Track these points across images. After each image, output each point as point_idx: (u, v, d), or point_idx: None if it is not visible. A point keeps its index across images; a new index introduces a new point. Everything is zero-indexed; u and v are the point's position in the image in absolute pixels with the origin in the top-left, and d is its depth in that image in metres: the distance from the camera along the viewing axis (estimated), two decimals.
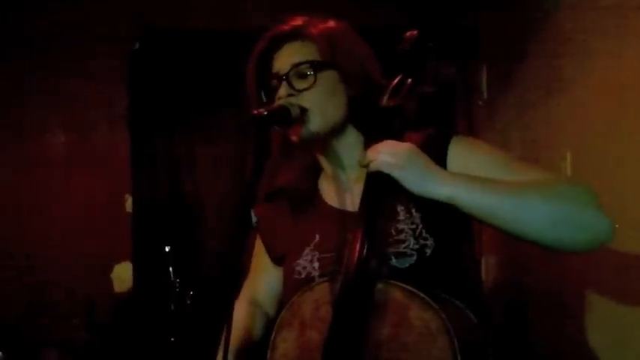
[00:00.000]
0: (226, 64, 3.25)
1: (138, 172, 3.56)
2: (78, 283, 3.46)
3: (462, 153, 1.42)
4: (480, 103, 3.13)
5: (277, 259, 1.66)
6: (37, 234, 3.51)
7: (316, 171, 1.64)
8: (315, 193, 1.63)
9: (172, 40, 3.53)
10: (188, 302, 2.81)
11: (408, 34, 1.41)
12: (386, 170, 1.28)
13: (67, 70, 3.58)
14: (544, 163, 2.32)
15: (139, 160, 3.56)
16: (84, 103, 3.59)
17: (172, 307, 2.92)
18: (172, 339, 2.78)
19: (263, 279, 1.72)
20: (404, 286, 1.25)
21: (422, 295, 1.22)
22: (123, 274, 3.52)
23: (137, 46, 3.54)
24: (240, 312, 1.69)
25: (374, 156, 1.30)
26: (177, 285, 2.86)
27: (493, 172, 1.35)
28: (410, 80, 1.40)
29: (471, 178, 1.30)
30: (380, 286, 1.27)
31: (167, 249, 2.86)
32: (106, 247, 3.50)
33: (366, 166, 1.32)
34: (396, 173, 1.28)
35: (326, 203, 1.60)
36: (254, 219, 1.30)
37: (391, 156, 1.28)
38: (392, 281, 1.28)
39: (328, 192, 1.61)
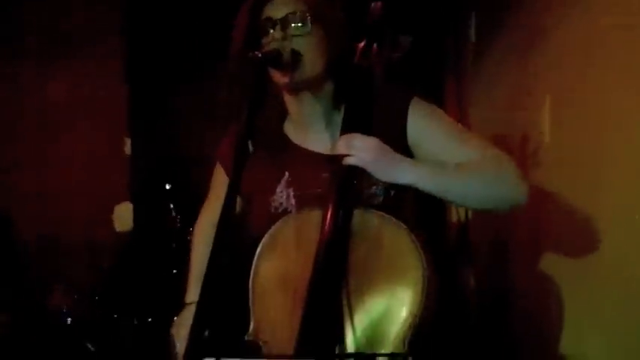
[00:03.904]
0: (223, 13, 3.31)
1: (136, 116, 3.64)
2: (80, 223, 3.57)
3: (420, 123, 1.65)
4: (469, 45, 3.21)
5: (242, 193, 1.74)
6: (38, 178, 3.62)
7: (282, 115, 1.78)
8: (281, 134, 1.77)
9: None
10: (189, 238, 2.93)
11: (372, 5, 1.62)
12: (360, 165, 1.48)
13: (66, 20, 3.63)
14: (526, 107, 2.43)
15: (137, 105, 3.63)
16: (83, 50, 3.63)
17: (174, 244, 3.05)
18: (175, 271, 2.91)
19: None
20: (378, 212, 1.50)
21: (393, 219, 1.47)
22: (123, 214, 3.63)
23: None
24: (202, 237, 1.88)
25: (347, 150, 1.48)
26: (178, 222, 2.97)
27: (445, 144, 1.63)
28: (375, 46, 1.60)
29: (428, 167, 1.56)
30: (357, 212, 1.48)
31: (167, 187, 2.97)
32: (107, 188, 3.61)
33: (338, 157, 1.49)
34: (368, 167, 1.49)
35: (294, 143, 1.75)
36: (251, 149, 1.44)
37: (364, 152, 1.48)
38: (368, 209, 1.51)
39: (296, 134, 1.76)
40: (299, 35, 1.61)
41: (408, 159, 1.57)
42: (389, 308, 1.41)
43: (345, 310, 1.41)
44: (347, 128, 1.54)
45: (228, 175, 1.81)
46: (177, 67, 3.62)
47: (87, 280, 3.32)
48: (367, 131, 1.52)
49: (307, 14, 1.62)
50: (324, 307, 1.40)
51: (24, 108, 3.67)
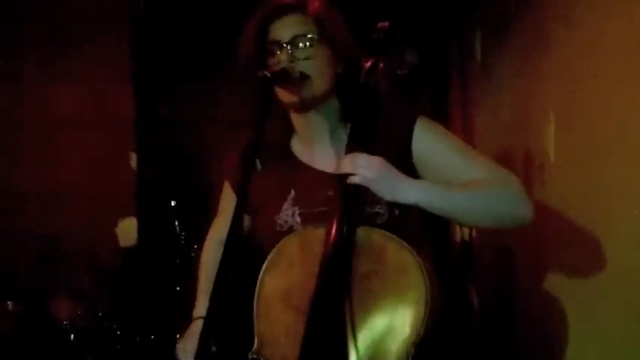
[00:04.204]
0: (229, 24, 3.32)
1: (142, 130, 3.63)
2: (85, 237, 3.55)
3: (425, 138, 1.66)
4: (474, 66, 3.23)
5: (249, 210, 1.77)
6: (45, 189, 3.61)
7: (289, 132, 1.80)
8: (287, 151, 1.79)
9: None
10: (193, 255, 2.94)
11: (379, 24, 1.62)
12: (364, 184, 1.48)
13: (72, 30, 3.64)
14: (533, 120, 2.43)
15: (143, 118, 3.63)
16: (89, 63, 3.64)
17: (178, 261, 3.05)
18: (178, 288, 2.91)
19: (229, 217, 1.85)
20: (382, 230, 1.50)
21: (396, 237, 1.46)
22: (128, 230, 3.62)
23: (142, 5, 3.59)
24: (211, 254, 1.92)
25: (351, 169, 1.48)
26: (183, 238, 2.98)
27: (450, 163, 1.64)
28: (382, 63, 1.60)
29: (432, 186, 1.56)
30: (362, 230, 1.47)
31: (173, 203, 2.98)
32: (112, 202, 3.60)
33: (343, 175, 1.49)
34: (372, 186, 1.49)
35: (300, 161, 1.77)
36: (258, 166, 1.45)
37: (368, 171, 1.48)
38: (372, 227, 1.51)
39: (302, 152, 1.78)
40: (305, 58, 1.64)
41: (412, 179, 1.57)
42: (392, 326, 1.41)
43: (348, 327, 1.41)
44: (352, 146, 1.54)
45: (234, 190, 1.83)
46: (184, 75, 3.63)
47: (90, 293, 3.30)
48: (372, 149, 1.52)
49: (314, 36, 1.64)
50: (326, 324, 1.39)
51: (26, 118, 3.66)
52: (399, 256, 1.44)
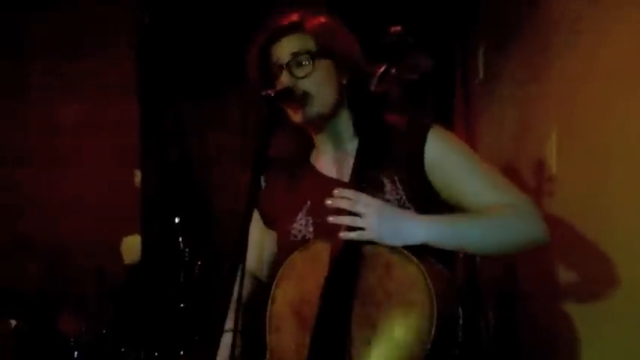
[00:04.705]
0: (236, 37, 3.34)
1: (147, 147, 3.64)
2: (89, 253, 3.59)
3: (438, 149, 1.63)
4: (477, 82, 3.24)
5: (269, 223, 1.84)
6: (49, 206, 3.65)
7: (308, 147, 1.82)
8: (307, 164, 1.81)
9: (182, 13, 3.58)
10: (196, 271, 2.95)
11: (392, 29, 1.62)
12: (363, 239, 1.46)
13: (78, 43, 3.69)
14: (535, 141, 2.43)
15: (147, 134, 3.63)
16: (94, 77, 3.69)
17: (181, 277, 3.05)
18: (182, 305, 2.91)
19: (257, 244, 1.85)
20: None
21: (404, 251, 1.44)
22: (132, 247, 3.62)
23: (147, 18, 3.60)
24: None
25: (349, 220, 1.46)
26: (186, 255, 2.98)
27: (462, 177, 1.62)
28: (394, 69, 1.61)
29: (439, 222, 1.52)
30: (369, 244, 1.47)
31: (177, 220, 2.99)
32: (116, 219, 3.63)
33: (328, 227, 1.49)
34: (372, 238, 1.46)
35: (318, 172, 1.78)
36: (263, 184, 1.48)
37: (366, 221, 1.45)
38: None
39: (321, 163, 1.79)
40: (305, 76, 1.66)
41: (418, 215, 1.55)
42: (398, 341, 1.40)
43: (354, 341, 1.41)
44: (360, 159, 1.56)
45: (263, 218, 1.86)
46: (190, 92, 3.63)
47: (96, 310, 3.33)
48: (378, 164, 1.54)
49: (310, 54, 1.66)
50: (331, 337, 1.40)
51: (30, 132, 3.71)
52: (406, 271, 1.43)
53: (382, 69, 1.61)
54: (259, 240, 1.83)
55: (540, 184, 2.31)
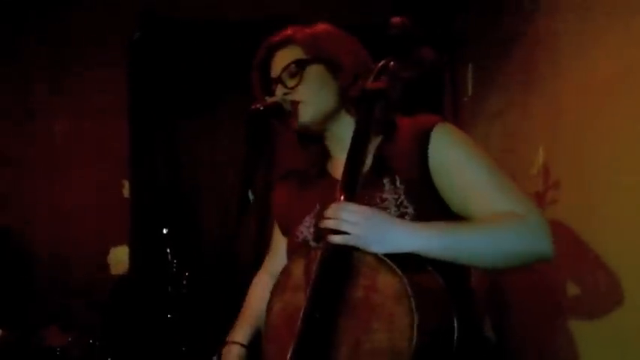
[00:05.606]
0: (226, 53, 3.37)
1: (136, 158, 3.66)
2: (77, 265, 3.58)
3: (442, 149, 1.56)
4: (465, 99, 3.28)
5: (284, 232, 1.86)
6: (37, 216, 3.64)
7: (325, 156, 1.81)
8: (323, 171, 1.80)
9: (172, 29, 3.63)
10: (184, 283, 2.94)
11: (395, 19, 1.53)
12: (348, 244, 1.40)
13: (69, 58, 3.70)
14: (521, 155, 2.46)
15: (137, 147, 3.66)
16: (85, 91, 3.69)
17: (169, 288, 3.05)
18: (169, 316, 2.90)
19: (279, 252, 1.88)
20: (376, 254, 1.40)
21: (389, 262, 1.37)
22: (119, 258, 3.63)
23: (137, 35, 3.62)
24: (259, 283, 1.93)
25: (334, 225, 1.41)
26: (174, 266, 2.98)
27: (467, 179, 1.53)
28: (393, 63, 1.55)
29: (432, 232, 1.43)
30: (356, 252, 1.42)
31: (165, 231, 2.99)
32: (105, 230, 3.62)
33: (324, 232, 1.43)
34: (358, 244, 1.40)
35: (331, 177, 1.76)
36: (251, 197, 1.45)
37: (352, 227, 1.40)
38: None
39: (334, 169, 1.77)
40: (296, 85, 1.67)
41: (409, 223, 1.49)
42: (380, 353, 1.35)
43: (336, 352, 1.38)
44: (349, 163, 1.51)
45: (280, 228, 1.88)
46: (180, 108, 3.66)
47: (84, 321, 3.31)
48: (381, 160, 1.55)
49: (297, 64, 1.67)
50: (312, 348, 1.38)
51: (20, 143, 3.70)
52: (389, 283, 1.36)
53: (381, 64, 1.56)
54: (282, 247, 1.86)
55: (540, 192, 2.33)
